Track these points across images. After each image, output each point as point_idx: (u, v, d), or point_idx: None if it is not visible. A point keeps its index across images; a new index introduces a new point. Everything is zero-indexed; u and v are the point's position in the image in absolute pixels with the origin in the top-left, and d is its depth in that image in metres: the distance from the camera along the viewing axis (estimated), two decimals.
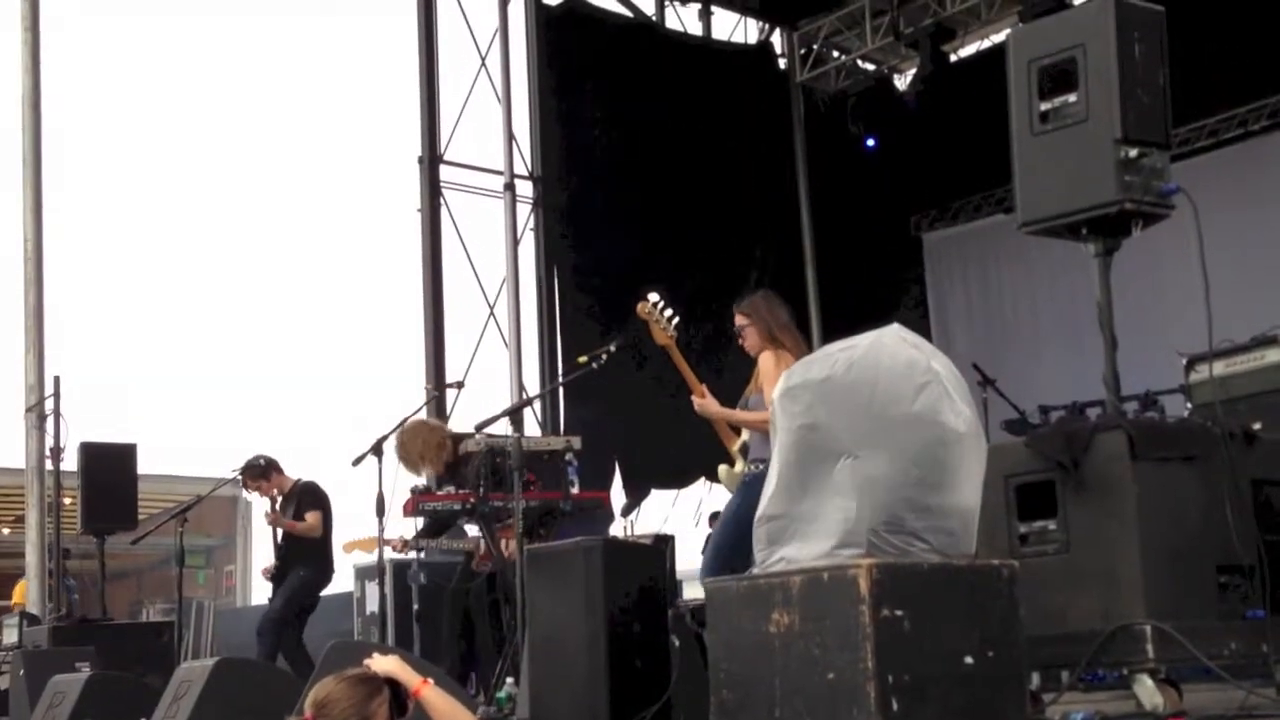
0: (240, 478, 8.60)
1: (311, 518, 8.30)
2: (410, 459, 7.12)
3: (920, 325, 13.22)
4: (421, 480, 7.26)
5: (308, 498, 8.36)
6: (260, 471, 8.39)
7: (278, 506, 8.38)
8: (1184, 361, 6.26)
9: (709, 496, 13.06)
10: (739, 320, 5.88)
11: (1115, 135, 4.31)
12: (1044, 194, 4.52)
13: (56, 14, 10.50)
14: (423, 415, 10.90)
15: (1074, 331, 11.25)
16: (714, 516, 10.26)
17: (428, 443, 7.19)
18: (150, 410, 17.79)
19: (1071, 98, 4.43)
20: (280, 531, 8.36)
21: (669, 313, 6.11)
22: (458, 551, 7.46)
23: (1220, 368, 5.82)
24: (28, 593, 9.97)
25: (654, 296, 6.14)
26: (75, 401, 9.24)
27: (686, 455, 12.68)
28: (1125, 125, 4.31)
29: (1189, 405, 6.16)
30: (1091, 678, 4.32)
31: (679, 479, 12.94)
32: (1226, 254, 5.70)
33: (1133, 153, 4.32)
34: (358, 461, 8.68)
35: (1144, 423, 4.51)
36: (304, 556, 8.29)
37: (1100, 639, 3.96)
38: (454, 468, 7.20)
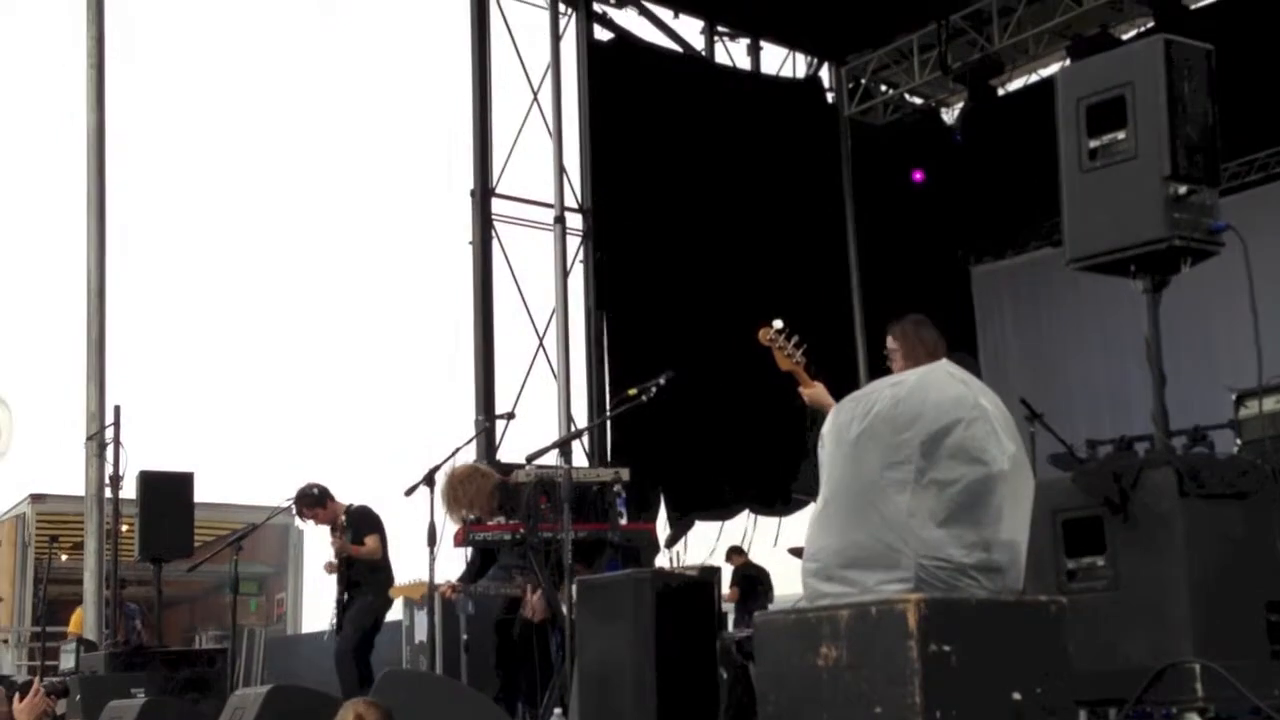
0: (294, 506, 8.72)
1: (371, 541, 8.41)
2: (458, 502, 7.14)
3: (969, 360, 13.18)
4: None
5: (364, 523, 8.45)
6: (314, 500, 8.50)
7: (336, 533, 8.47)
8: (1233, 397, 6.24)
9: (753, 529, 13.07)
10: (889, 343, 5.59)
11: (1164, 172, 4.33)
12: (1093, 230, 4.54)
13: (122, 48, 10.72)
14: (472, 457, 11.02)
15: (1123, 365, 11.20)
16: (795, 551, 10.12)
17: (480, 490, 7.23)
18: (206, 439, 18.00)
19: (1120, 135, 4.45)
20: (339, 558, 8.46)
21: (794, 339, 6.06)
22: (502, 596, 7.42)
23: (1270, 403, 5.80)
24: (84, 619, 10.11)
25: (778, 323, 6.05)
26: (135, 430, 9.40)
27: (731, 487, 12.74)
28: (1174, 163, 4.33)
29: (1238, 441, 6.13)
30: (1139, 715, 4.31)
31: (723, 511, 12.95)
32: (1274, 286, 5.69)
33: (1181, 190, 4.33)
34: (410, 492, 8.79)
35: (1192, 459, 4.50)
36: (367, 580, 8.38)
37: (1149, 677, 3.96)
38: (498, 511, 7.24)
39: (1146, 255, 4.41)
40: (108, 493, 9.43)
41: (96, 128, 9.96)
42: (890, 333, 5.60)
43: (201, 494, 9.49)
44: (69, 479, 10.92)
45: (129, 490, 9.23)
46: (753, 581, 12.26)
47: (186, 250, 22.03)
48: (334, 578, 8.64)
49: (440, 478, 7.09)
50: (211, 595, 16.14)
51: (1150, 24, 12.02)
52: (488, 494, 7.22)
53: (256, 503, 12.59)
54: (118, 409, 9.40)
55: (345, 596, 8.45)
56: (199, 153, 22.80)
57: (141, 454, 9.40)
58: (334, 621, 8.72)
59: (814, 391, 5.82)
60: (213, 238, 22.92)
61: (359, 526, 8.41)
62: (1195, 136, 4.42)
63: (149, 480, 9.13)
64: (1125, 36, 12.24)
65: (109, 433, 9.36)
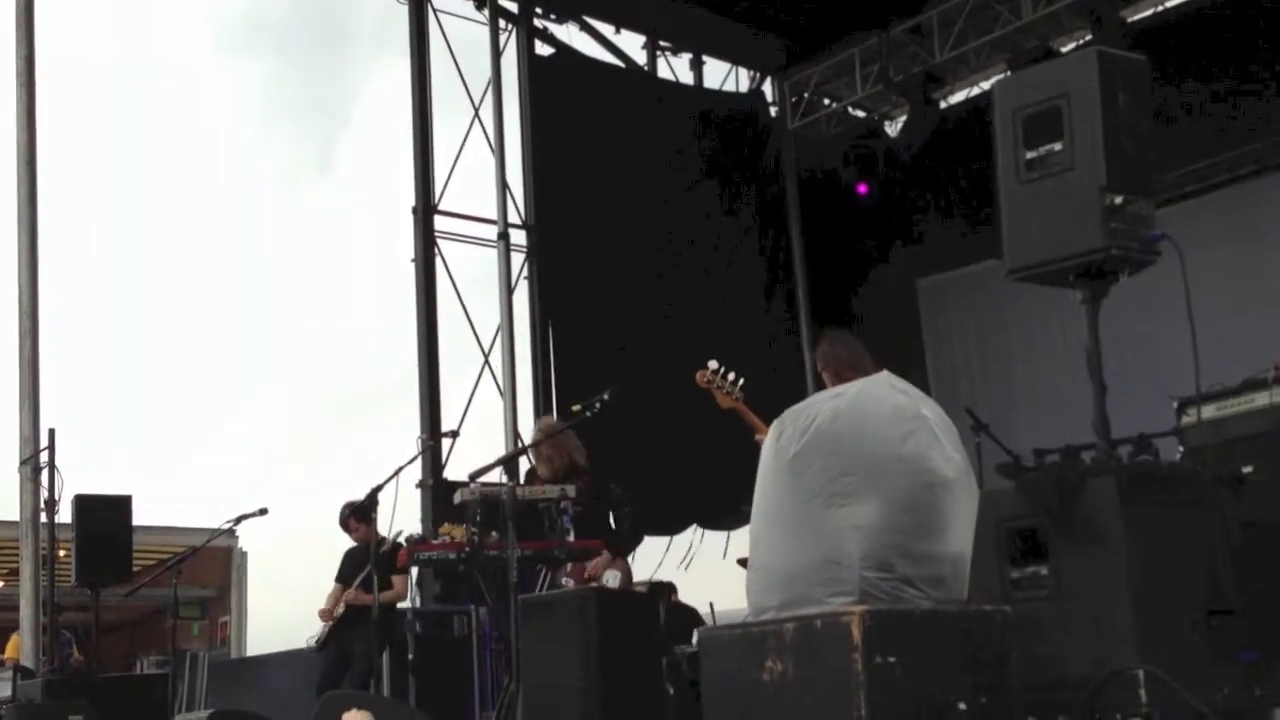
0: (345, 514, 8.72)
1: (399, 584, 8.44)
2: (561, 449, 7.02)
3: (915, 371, 13.23)
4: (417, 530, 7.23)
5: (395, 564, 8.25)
6: (365, 514, 8.32)
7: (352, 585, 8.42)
8: (1175, 405, 6.28)
9: (700, 542, 13.04)
10: (820, 368, 5.75)
11: (1100, 183, 4.36)
12: (1031, 241, 4.57)
13: (53, 65, 10.58)
14: (416, 476, 10.92)
15: (1069, 374, 11.23)
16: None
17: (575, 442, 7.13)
18: (144, 461, 17.77)
19: (1057, 146, 4.48)
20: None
21: (731, 375, 6.07)
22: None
23: (1211, 411, 5.84)
24: (21, 646, 9.92)
25: (713, 364, 6.10)
26: (70, 453, 9.24)
27: (679, 503, 12.71)
28: (1110, 173, 4.37)
29: (1180, 449, 6.18)
30: None
31: (671, 526, 12.92)
32: (1217, 297, 5.77)
33: (1118, 200, 4.36)
34: (354, 510, 8.72)
35: (1134, 468, 4.53)
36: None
37: (1093, 684, 3.96)
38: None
39: (1084, 265, 4.44)
40: (43, 517, 9.26)
41: (27, 146, 9.82)
42: (817, 355, 5.70)
43: (140, 517, 9.35)
44: (2, 504, 10.72)
45: (65, 514, 9.08)
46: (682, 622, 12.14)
47: (121, 269, 21.83)
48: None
49: (382, 496, 7.01)
50: (152, 620, 15.92)
51: (1088, 38, 12.16)
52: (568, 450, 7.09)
53: (197, 525, 12.43)
54: (52, 432, 9.23)
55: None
56: (134, 170, 22.59)
57: (77, 477, 9.26)
58: (320, 638, 8.66)
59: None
60: (148, 255, 22.73)
61: (391, 566, 8.18)
62: (1131, 147, 4.46)
63: (85, 504, 8.97)
64: (1064, 49, 12.36)
65: (44, 456, 9.19)
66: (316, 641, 8.72)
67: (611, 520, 7.08)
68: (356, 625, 8.27)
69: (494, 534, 6.13)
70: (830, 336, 5.86)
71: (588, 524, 6.67)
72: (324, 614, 8.68)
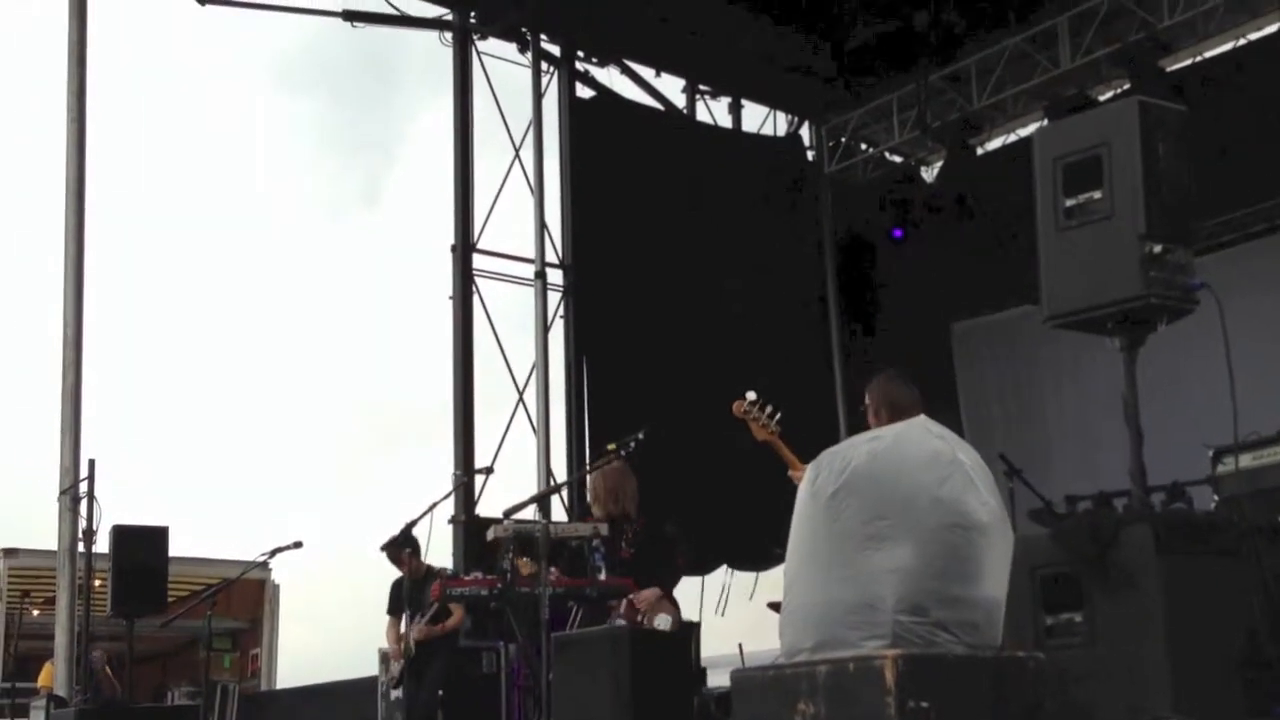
0: (392, 548, 8.71)
1: (458, 611, 8.44)
2: (616, 497, 7.00)
3: (950, 416, 13.18)
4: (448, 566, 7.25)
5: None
6: (415, 547, 8.42)
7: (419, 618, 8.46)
8: (1210, 453, 6.26)
9: (731, 583, 13.01)
10: (866, 400, 5.69)
11: (1140, 231, 4.37)
12: (1069, 288, 4.58)
13: (103, 102, 10.75)
14: (450, 512, 10.92)
15: (1102, 421, 11.20)
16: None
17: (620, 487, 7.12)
18: (181, 492, 17.88)
19: (1096, 194, 4.50)
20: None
21: (769, 408, 6.05)
22: None
23: (1247, 460, 5.82)
24: (55, 675, 9.98)
25: (751, 395, 6.05)
26: (109, 483, 9.32)
27: (709, 543, 12.68)
28: (1150, 222, 4.38)
29: (1215, 497, 6.15)
30: None
31: (701, 566, 12.89)
32: (1255, 346, 5.76)
33: (1157, 249, 4.37)
34: (387, 546, 8.76)
35: (1170, 516, 4.52)
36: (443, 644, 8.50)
37: None
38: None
39: (1123, 313, 4.44)
40: (81, 547, 9.34)
41: (76, 180, 9.96)
42: (866, 390, 5.60)
43: (176, 548, 9.42)
44: (42, 533, 10.80)
45: (102, 544, 9.15)
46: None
47: (164, 302, 21.98)
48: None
49: (417, 532, 7.04)
50: (184, 651, 15.96)
51: (1126, 86, 12.17)
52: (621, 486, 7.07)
53: (231, 556, 12.49)
54: (92, 462, 9.33)
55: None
56: (178, 203, 22.84)
57: (115, 508, 9.33)
58: (394, 676, 8.75)
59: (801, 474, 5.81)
60: (191, 286, 22.91)
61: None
62: (1170, 196, 4.47)
63: (122, 534, 9.05)
64: (1102, 98, 12.38)
65: (83, 487, 9.28)
66: (393, 681, 8.77)
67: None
68: (428, 658, 8.31)
69: (527, 562, 6.13)
70: (888, 374, 5.71)
71: (641, 569, 6.65)
72: (395, 654, 8.71)
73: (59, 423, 9.77)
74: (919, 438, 3.70)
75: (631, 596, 6.53)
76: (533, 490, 11.52)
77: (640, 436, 6.52)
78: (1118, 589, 4.12)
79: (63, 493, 9.60)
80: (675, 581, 6.85)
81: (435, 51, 12.57)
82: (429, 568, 8.40)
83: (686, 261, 13.06)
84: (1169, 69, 12.42)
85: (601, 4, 12.74)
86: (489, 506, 11.04)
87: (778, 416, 5.97)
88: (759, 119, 14.84)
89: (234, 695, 14.05)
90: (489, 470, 9.82)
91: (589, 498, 7.11)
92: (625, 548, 6.78)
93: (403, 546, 8.66)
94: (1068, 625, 4.24)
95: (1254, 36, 12.12)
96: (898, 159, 15.08)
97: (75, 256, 9.92)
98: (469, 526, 11.04)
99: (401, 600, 8.75)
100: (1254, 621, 4.13)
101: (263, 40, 23.95)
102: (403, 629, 8.81)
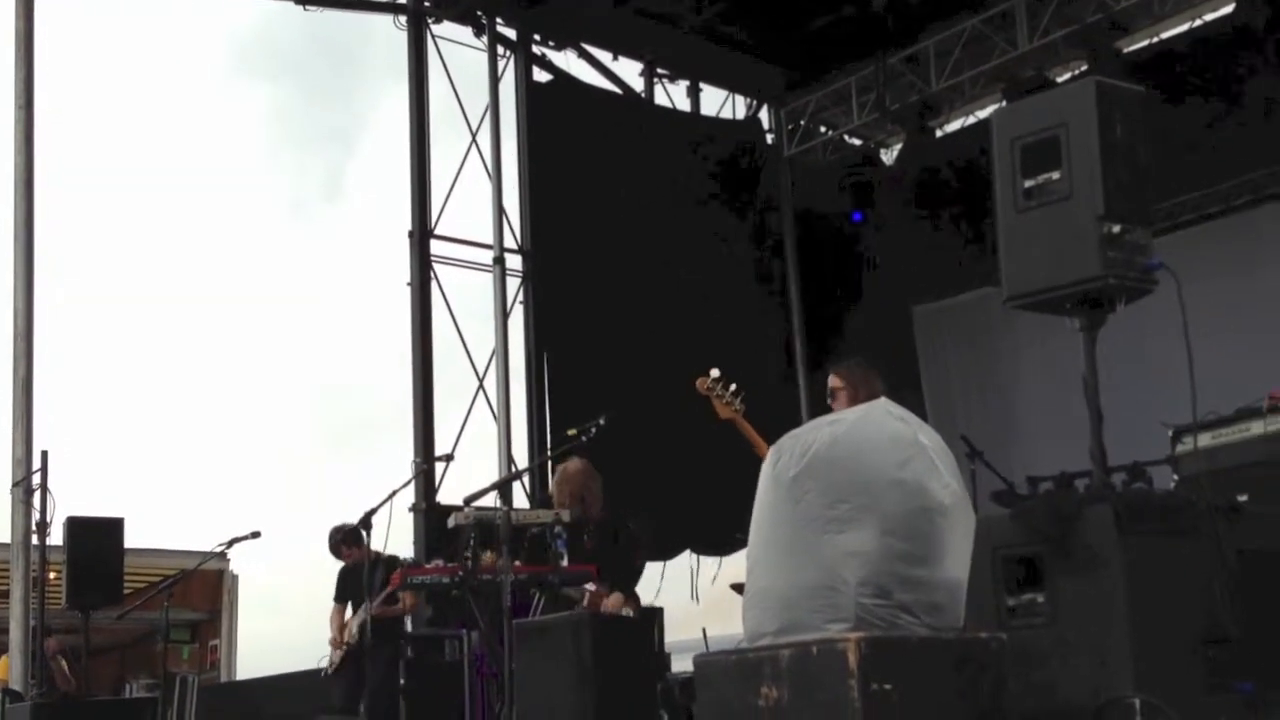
0: (334, 542, 8.75)
1: (409, 596, 8.34)
2: (581, 499, 6.96)
3: (912, 398, 13.22)
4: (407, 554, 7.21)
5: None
6: (356, 538, 8.30)
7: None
8: (1170, 433, 6.29)
9: (697, 568, 13.02)
10: (833, 382, 5.52)
11: (1098, 212, 4.37)
12: (1029, 269, 4.57)
13: (52, 88, 10.59)
14: (410, 500, 10.87)
15: (1064, 402, 11.23)
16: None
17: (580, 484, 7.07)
18: (136, 483, 17.70)
19: (1055, 175, 4.49)
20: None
21: (733, 387, 6.01)
22: None
23: (1206, 439, 5.85)
24: (10, 669, 9.86)
25: (715, 372, 6.02)
26: (62, 475, 9.19)
27: (672, 528, 12.68)
28: (1108, 202, 4.38)
29: (1175, 476, 6.18)
30: None
31: (665, 551, 12.89)
32: (1213, 326, 5.77)
33: (1115, 229, 4.37)
34: (344, 534, 8.71)
35: (1130, 496, 4.53)
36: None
37: (1089, 713, 3.95)
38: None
39: (1082, 294, 4.44)
40: (35, 540, 9.22)
41: (25, 168, 9.82)
42: (835, 372, 5.55)
43: (132, 539, 9.31)
44: None
45: (57, 537, 9.03)
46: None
47: (117, 291, 21.74)
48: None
49: (376, 520, 6.98)
50: (142, 643, 15.81)
51: (1084, 68, 12.21)
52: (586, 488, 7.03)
53: (188, 547, 12.37)
54: (45, 454, 9.18)
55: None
56: (134, 191, 22.57)
57: (69, 499, 9.21)
58: (334, 663, 8.68)
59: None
60: (145, 277, 22.66)
61: (385, 586, 8.16)
62: (1128, 177, 4.47)
63: (77, 526, 8.94)
64: (1060, 79, 12.42)
65: (36, 479, 9.15)
66: (330, 666, 8.67)
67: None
68: (380, 642, 8.22)
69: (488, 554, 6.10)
70: (861, 360, 5.63)
71: (604, 566, 6.63)
72: (335, 642, 8.64)
73: (10, 414, 9.64)
74: (880, 420, 3.68)
75: (592, 589, 6.52)
76: (494, 477, 11.47)
77: (601, 422, 6.51)
78: (1079, 569, 4.12)
79: (15, 485, 9.47)
80: (635, 581, 6.85)
81: (397, 36, 12.49)
82: (377, 554, 8.33)
83: (646, 245, 13.03)
84: (1126, 50, 12.48)
85: None
86: (449, 494, 10.98)
87: (741, 395, 5.95)
88: (718, 102, 14.82)
89: (193, 687, 13.91)
90: (449, 457, 9.73)
91: (554, 502, 7.08)
92: (587, 540, 6.76)
93: (343, 543, 8.60)
94: (1029, 605, 4.24)
95: (1210, 17, 12.20)
96: (857, 142, 15.09)
97: (25, 246, 9.78)
98: (429, 514, 10.99)
99: (347, 587, 8.69)
100: (1214, 600, 4.15)
101: (216, 23, 23.68)
102: (348, 616, 8.75)
